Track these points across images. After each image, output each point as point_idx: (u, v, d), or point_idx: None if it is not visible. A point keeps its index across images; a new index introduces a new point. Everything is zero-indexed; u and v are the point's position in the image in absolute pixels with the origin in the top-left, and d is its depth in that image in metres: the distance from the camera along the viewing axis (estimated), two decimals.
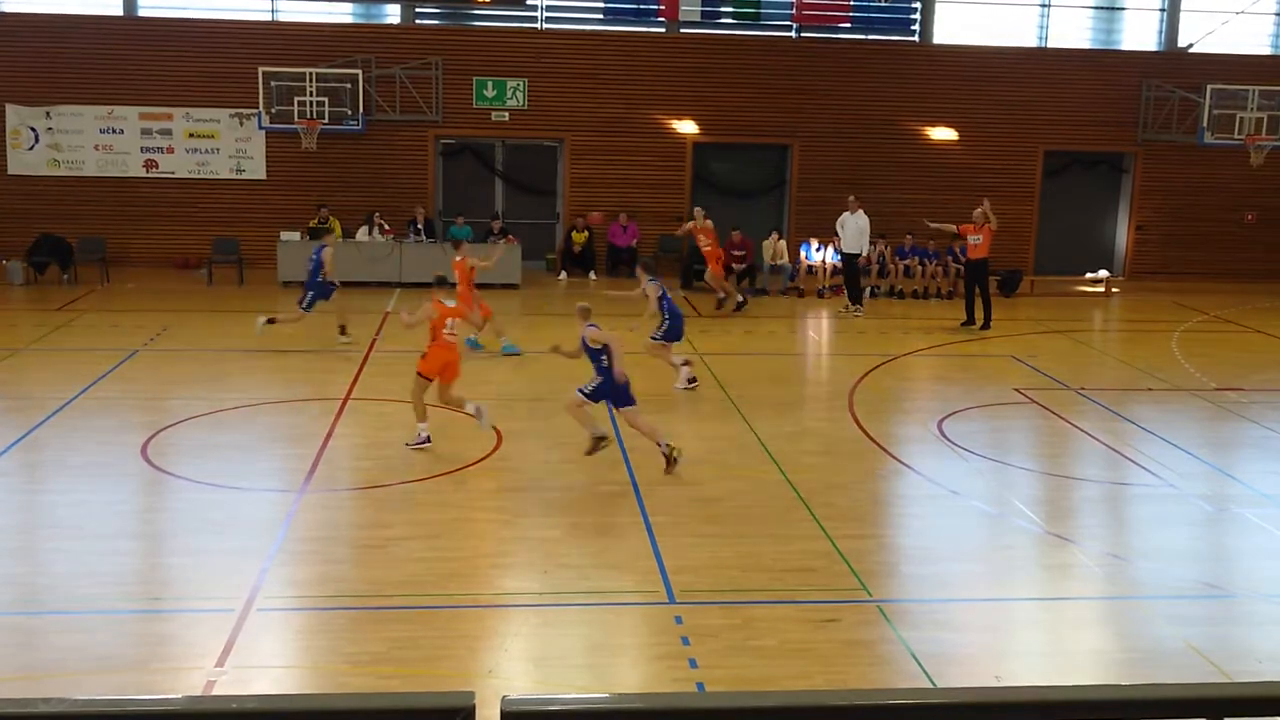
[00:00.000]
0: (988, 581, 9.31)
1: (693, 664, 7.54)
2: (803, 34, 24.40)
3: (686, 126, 24.01)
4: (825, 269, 22.62)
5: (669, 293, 15.52)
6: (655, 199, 24.03)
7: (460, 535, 9.92)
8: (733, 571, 9.07)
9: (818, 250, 22.89)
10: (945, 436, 12.97)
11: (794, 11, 24.08)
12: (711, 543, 9.66)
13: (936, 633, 8.20)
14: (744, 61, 23.90)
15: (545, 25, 23.82)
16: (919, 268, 22.74)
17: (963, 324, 19.22)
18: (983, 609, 8.78)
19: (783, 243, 23.08)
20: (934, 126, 24.49)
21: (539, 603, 8.53)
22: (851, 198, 20.93)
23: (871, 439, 12.89)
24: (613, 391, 11.64)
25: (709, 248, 20.45)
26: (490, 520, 10.41)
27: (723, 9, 24.24)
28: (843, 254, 20.84)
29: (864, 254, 21.03)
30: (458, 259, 15.85)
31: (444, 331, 12.34)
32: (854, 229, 20.53)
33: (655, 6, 23.88)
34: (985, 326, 19.12)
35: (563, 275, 23.39)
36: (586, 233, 23.39)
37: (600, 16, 24.10)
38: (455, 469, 11.41)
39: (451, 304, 12.59)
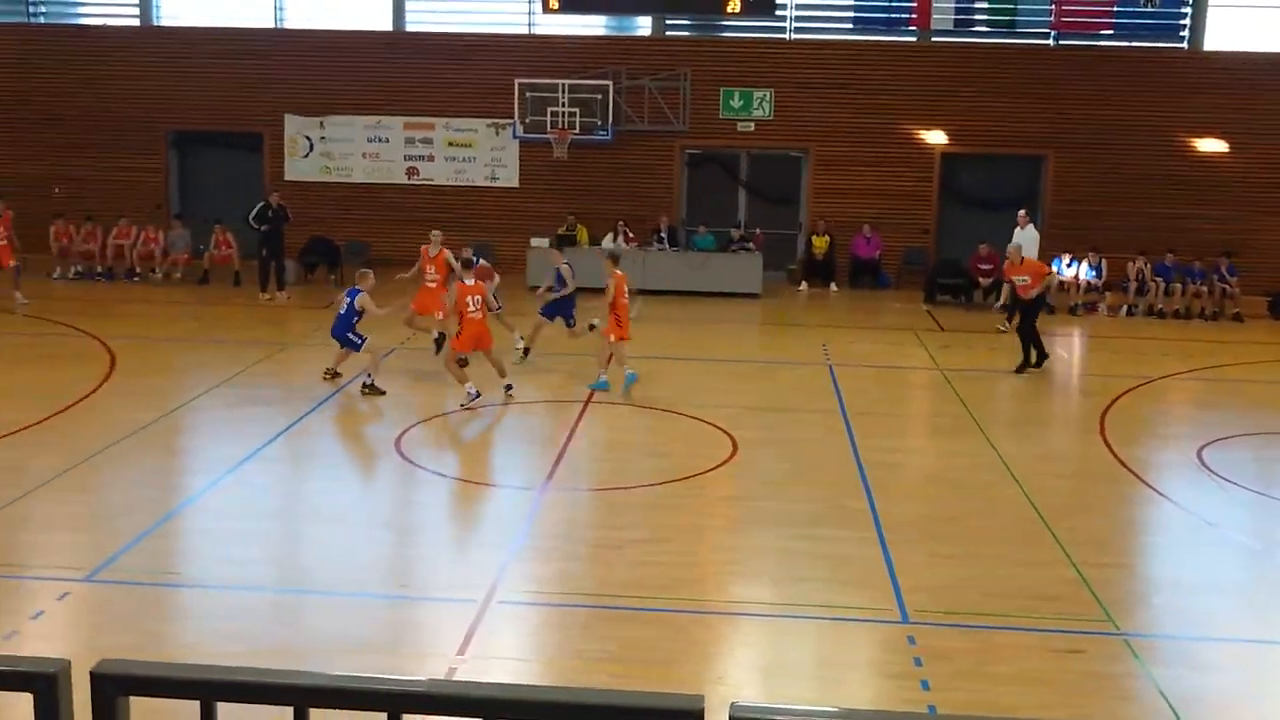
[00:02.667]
0: (1248, 620, 8.74)
1: (925, 686, 7.37)
2: (1061, 41, 23.54)
3: (935, 137, 23.52)
4: (1079, 285, 21.75)
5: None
6: (901, 210, 23.63)
7: (694, 541, 10.01)
8: (970, 593, 8.82)
9: (1070, 265, 22.02)
10: (1205, 465, 12.25)
11: (1052, 18, 23.26)
12: (948, 563, 9.42)
13: (1189, 672, 7.76)
14: (998, 70, 23.24)
15: (794, 35, 23.78)
16: (1179, 286, 21.57)
17: (1017, 369, 16.43)
18: (1242, 650, 8.25)
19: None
20: (1201, 137, 23.19)
21: (770, 613, 8.52)
22: (1021, 212, 20.07)
23: (1123, 464, 12.29)
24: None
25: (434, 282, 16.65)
26: (724, 528, 10.46)
27: (977, 17, 23.64)
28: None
29: None
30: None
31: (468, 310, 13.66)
32: (1019, 245, 19.60)
33: (907, 15, 23.51)
34: (1035, 364, 16.50)
35: (803, 286, 23.27)
36: (827, 238, 23.23)
37: (850, 26, 23.90)
38: (691, 475, 11.51)
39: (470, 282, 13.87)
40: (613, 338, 14.54)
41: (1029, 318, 16.45)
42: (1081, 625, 8.33)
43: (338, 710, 2.04)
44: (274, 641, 7.80)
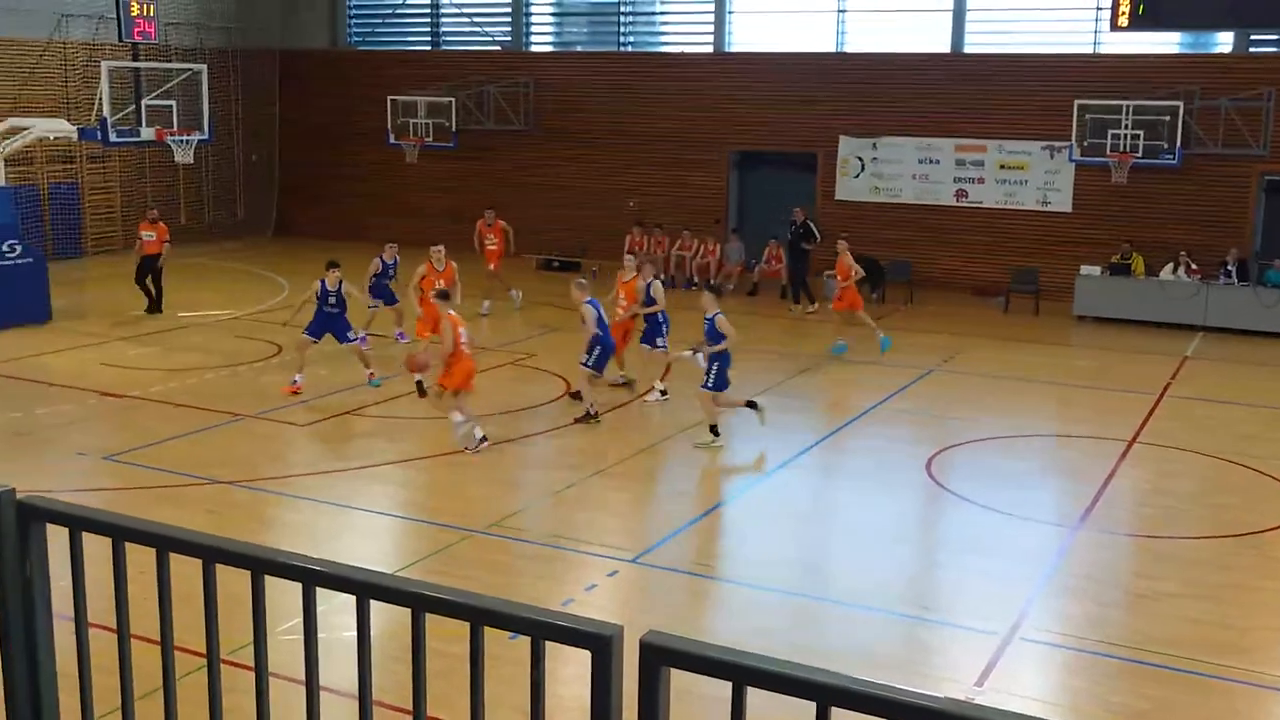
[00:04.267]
0: None
1: None
2: None
3: None
4: None
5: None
6: None
7: (1242, 604, 9.12)
8: None
9: None
10: None
11: None
12: None
13: None
14: None
15: None
16: None
17: None
18: None
19: None
20: None
21: None
22: None
23: None
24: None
25: (492, 246, 20.00)
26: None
27: None
28: None
29: None
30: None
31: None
32: None
33: None
34: None
35: None
36: None
37: None
38: (1247, 532, 10.50)
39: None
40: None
41: None
42: None
43: (860, 714, 2.09)
44: (792, 643, 8.06)
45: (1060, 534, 10.46)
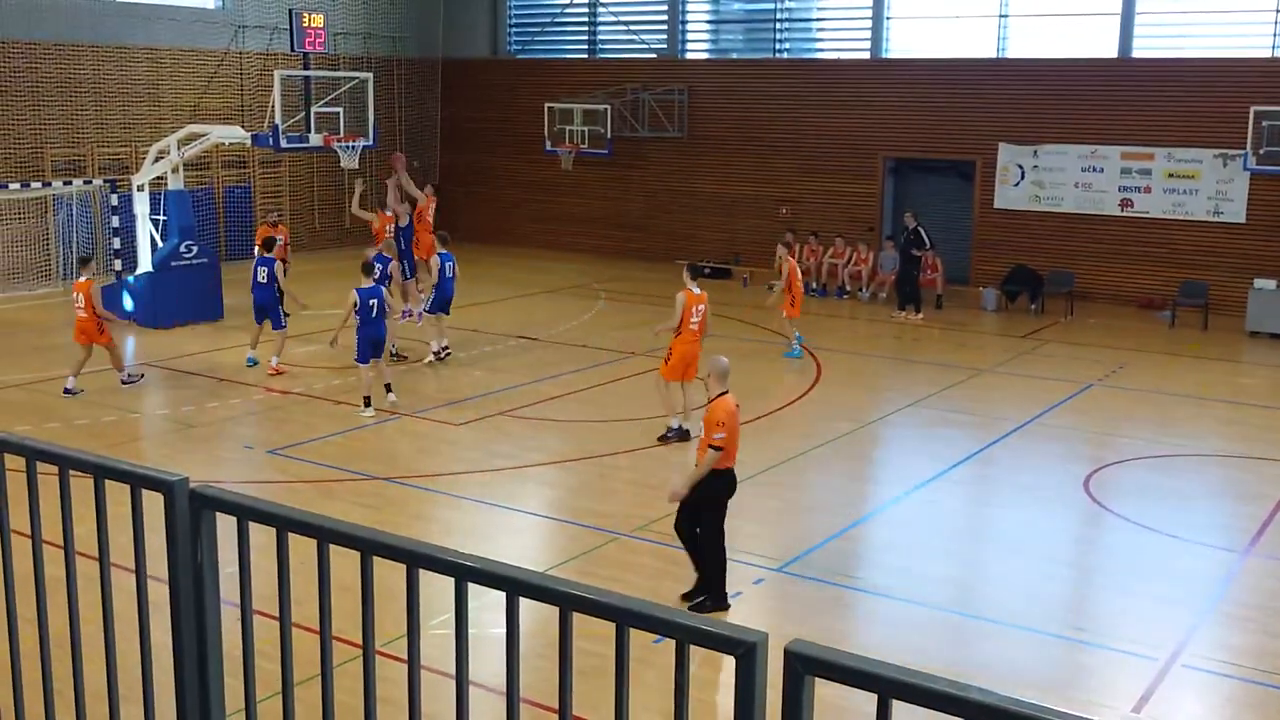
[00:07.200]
0: None
1: None
2: None
3: None
4: None
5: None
6: None
7: None
8: None
9: None
10: None
11: None
12: None
13: None
14: None
15: None
16: None
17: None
18: None
19: None
20: None
21: None
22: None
23: None
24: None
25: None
26: None
27: None
28: None
29: None
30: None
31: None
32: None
33: None
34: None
35: None
36: None
37: None
38: None
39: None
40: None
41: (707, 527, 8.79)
42: None
43: None
44: (942, 659, 7.90)
45: (1227, 559, 10.04)
